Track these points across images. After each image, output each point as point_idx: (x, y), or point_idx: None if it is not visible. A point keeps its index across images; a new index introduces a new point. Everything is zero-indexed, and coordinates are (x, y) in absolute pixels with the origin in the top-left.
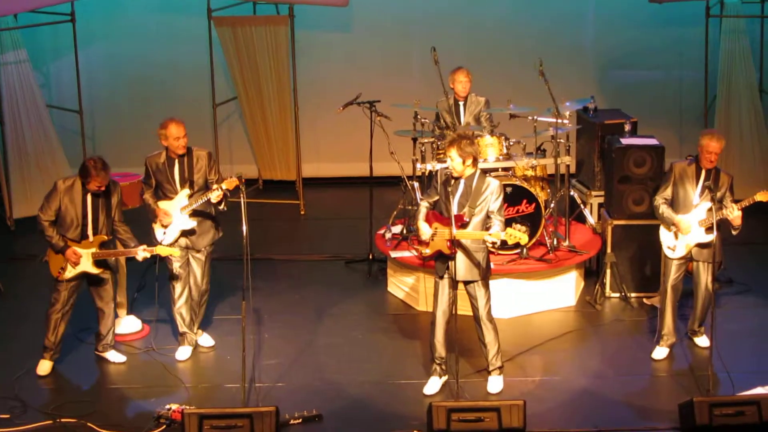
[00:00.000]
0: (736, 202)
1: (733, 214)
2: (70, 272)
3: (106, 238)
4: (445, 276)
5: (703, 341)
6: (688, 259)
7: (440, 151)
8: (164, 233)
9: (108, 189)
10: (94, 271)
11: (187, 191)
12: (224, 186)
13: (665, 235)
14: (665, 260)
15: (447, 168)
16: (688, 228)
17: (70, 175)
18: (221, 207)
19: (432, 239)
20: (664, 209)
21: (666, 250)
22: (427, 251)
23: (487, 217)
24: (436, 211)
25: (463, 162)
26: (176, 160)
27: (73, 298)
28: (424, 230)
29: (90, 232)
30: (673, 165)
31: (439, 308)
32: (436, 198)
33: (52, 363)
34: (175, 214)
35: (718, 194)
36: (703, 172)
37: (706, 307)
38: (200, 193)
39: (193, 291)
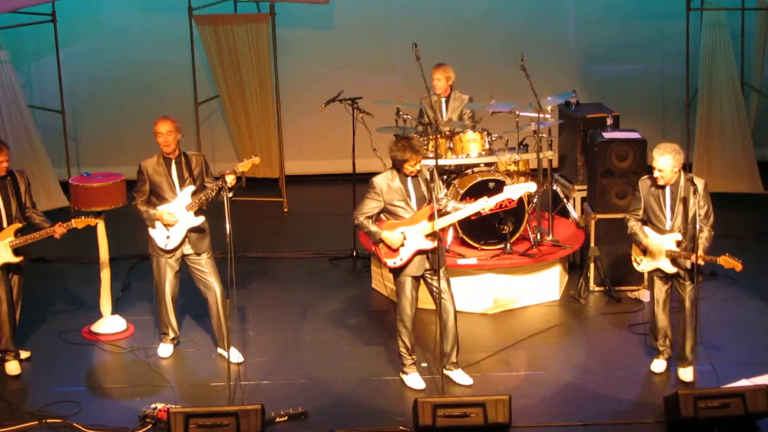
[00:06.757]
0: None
1: (696, 261)
2: None
3: (20, 225)
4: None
5: (686, 374)
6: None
7: (424, 148)
8: (167, 237)
9: (12, 176)
10: (15, 260)
11: (191, 188)
12: (240, 168)
13: (633, 249)
14: (647, 275)
15: (383, 174)
16: (659, 253)
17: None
18: (231, 194)
19: (403, 243)
20: (632, 225)
21: (633, 263)
22: (402, 259)
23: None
24: (384, 219)
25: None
26: (173, 161)
27: (9, 292)
28: (393, 237)
29: (4, 221)
30: (640, 182)
31: (411, 305)
32: (376, 210)
33: (18, 361)
34: (180, 214)
35: (690, 206)
36: (667, 187)
37: (691, 328)
38: (202, 191)
39: (211, 303)
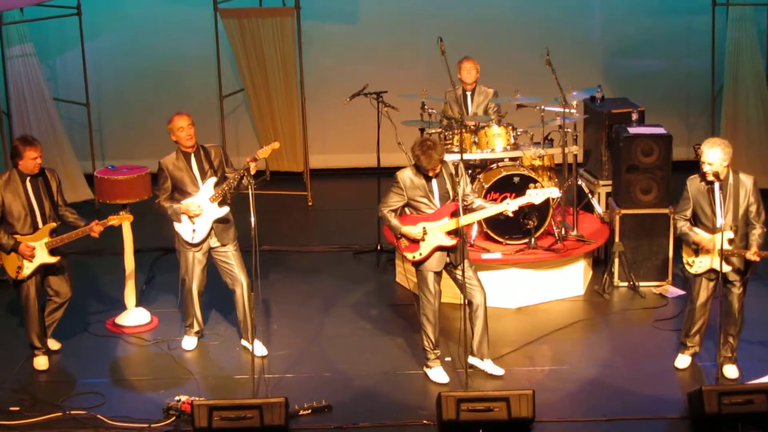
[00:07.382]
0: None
1: (752, 258)
2: (29, 268)
3: (54, 224)
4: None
5: (731, 371)
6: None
7: (448, 142)
8: (193, 230)
9: (44, 174)
10: (52, 260)
11: (212, 180)
12: (260, 154)
13: (685, 251)
14: (691, 277)
15: (407, 169)
16: (712, 247)
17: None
18: (247, 187)
19: (424, 238)
20: (681, 226)
21: (685, 266)
22: (421, 254)
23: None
24: (407, 214)
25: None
26: (192, 155)
27: (40, 291)
28: (413, 230)
29: (39, 220)
30: (687, 182)
31: (435, 299)
32: (400, 204)
33: (47, 357)
34: (204, 206)
35: (741, 206)
36: (716, 184)
37: (735, 328)
38: (224, 181)
39: (238, 295)
